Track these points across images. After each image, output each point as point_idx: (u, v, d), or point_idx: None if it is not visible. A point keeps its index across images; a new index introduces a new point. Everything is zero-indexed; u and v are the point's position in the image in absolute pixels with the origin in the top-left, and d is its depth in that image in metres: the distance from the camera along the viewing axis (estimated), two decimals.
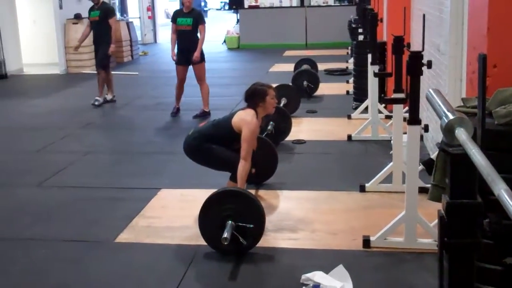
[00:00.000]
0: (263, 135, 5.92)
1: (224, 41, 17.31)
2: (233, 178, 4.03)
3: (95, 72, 8.95)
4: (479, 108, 1.54)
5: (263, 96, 4.13)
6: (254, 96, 4.14)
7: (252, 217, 3.41)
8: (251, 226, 3.36)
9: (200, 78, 7.41)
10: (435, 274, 3.11)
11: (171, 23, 7.52)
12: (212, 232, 3.41)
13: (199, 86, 7.49)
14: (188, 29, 7.24)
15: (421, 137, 5.06)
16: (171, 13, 7.86)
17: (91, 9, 8.60)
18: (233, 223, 3.36)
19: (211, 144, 4.08)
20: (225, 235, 3.26)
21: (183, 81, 7.49)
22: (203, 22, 7.33)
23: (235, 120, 4.05)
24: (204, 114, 7.42)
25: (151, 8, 18.68)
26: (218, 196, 3.47)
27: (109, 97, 8.74)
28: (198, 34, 7.34)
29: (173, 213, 4.25)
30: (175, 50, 7.40)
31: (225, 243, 3.26)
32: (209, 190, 4.70)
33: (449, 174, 1.55)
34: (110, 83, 8.75)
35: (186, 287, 3.17)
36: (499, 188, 1.17)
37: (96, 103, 8.43)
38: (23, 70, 12.18)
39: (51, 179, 5.18)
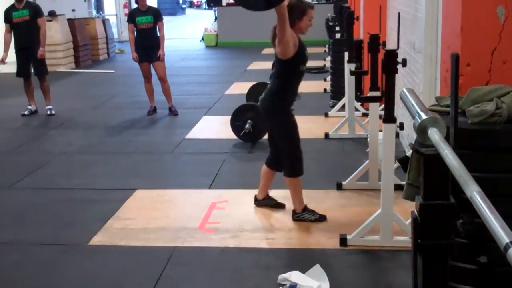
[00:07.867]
0: (241, 134, 5.92)
1: (202, 39, 17.22)
2: (269, 163, 4.13)
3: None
4: (452, 107, 1.53)
5: (300, 15, 3.86)
6: (291, 13, 3.79)
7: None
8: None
9: (163, 76, 7.47)
10: (411, 272, 3.14)
11: (127, 23, 7.55)
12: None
13: (161, 84, 7.53)
14: (150, 26, 7.34)
15: (397, 134, 5.09)
16: None
17: (12, 10, 7.50)
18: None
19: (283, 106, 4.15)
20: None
21: (150, 78, 7.53)
22: (162, 19, 7.47)
23: (276, 51, 3.92)
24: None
25: (128, 5, 18.48)
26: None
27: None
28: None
29: (149, 214, 4.19)
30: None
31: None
32: (186, 190, 4.71)
33: (422, 174, 1.54)
34: (48, 91, 7.84)
35: None
36: (471, 190, 1.16)
37: (27, 112, 7.69)
38: None
39: (24, 181, 5.06)
